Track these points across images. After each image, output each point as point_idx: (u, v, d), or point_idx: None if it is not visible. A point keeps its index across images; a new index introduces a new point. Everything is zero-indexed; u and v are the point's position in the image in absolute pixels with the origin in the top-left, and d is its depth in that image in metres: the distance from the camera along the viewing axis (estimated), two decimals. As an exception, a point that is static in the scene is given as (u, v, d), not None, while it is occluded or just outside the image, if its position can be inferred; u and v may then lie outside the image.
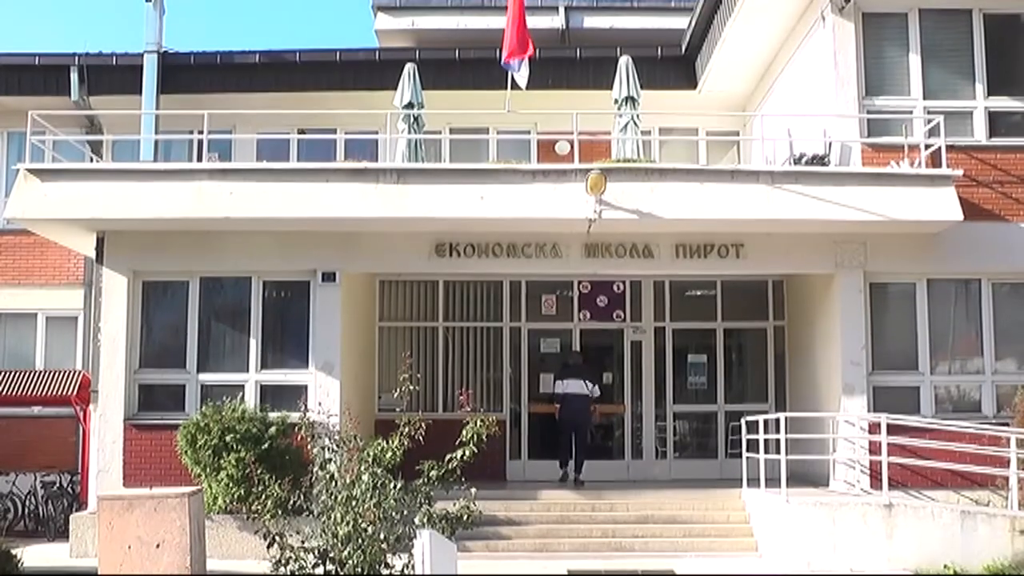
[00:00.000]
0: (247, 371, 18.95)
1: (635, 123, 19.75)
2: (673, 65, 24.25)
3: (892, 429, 17.39)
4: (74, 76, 23.24)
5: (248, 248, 18.77)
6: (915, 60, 19.17)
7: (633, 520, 18.08)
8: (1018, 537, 16.20)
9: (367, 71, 23.56)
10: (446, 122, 22.78)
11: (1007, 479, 17.04)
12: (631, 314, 22.22)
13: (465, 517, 12.58)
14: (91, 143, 22.49)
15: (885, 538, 16.43)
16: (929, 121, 18.60)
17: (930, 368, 18.95)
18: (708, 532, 17.84)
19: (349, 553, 11.90)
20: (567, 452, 20.82)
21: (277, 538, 12.12)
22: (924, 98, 19.07)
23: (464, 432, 12.67)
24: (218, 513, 17.50)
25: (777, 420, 17.73)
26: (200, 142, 20.82)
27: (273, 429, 17.65)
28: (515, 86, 20.01)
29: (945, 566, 15.90)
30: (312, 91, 23.11)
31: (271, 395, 18.80)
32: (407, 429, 12.67)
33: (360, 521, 11.97)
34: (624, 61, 20.04)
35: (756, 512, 17.82)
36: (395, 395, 13.73)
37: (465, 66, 23.60)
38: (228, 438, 17.32)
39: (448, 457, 12.59)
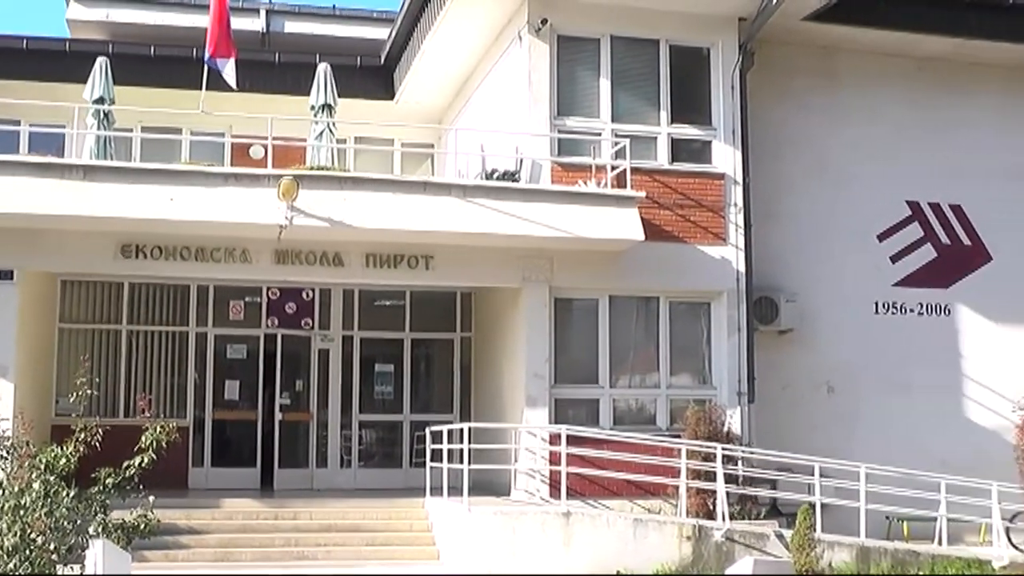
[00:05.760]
0: (-88, 373, 17.95)
1: (331, 131, 19.71)
2: (372, 75, 24.45)
3: (572, 440, 17.88)
4: None
5: (-82, 242, 17.77)
6: (605, 84, 19.85)
7: (316, 529, 18.00)
8: (685, 542, 16.97)
9: (56, 62, 22.81)
10: (138, 120, 22.08)
11: (678, 488, 17.88)
12: (320, 322, 22.16)
13: (142, 526, 12.34)
14: None
15: (563, 545, 16.83)
16: (616, 143, 19.27)
17: (610, 382, 19.59)
18: (391, 541, 17.92)
19: (15, 565, 11.44)
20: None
21: (-63, 550, 11.57)
22: (612, 121, 19.76)
23: (143, 438, 12.41)
24: None
25: (461, 430, 17.99)
26: None
27: (-62, 434, 16.77)
28: (211, 86, 19.66)
29: (618, 571, 16.46)
30: (-5, 79, 22.12)
31: (-62, 399, 17.84)
32: (83, 435, 12.31)
33: (29, 531, 11.54)
34: (323, 68, 19.99)
35: (439, 521, 18.01)
36: (72, 399, 13.33)
37: (161, 63, 23.15)
38: None
39: (126, 464, 12.30)
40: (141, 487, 12.42)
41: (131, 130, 21.99)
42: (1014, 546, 17.89)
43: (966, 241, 22.32)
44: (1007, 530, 17.94)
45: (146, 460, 12.35)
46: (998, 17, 21.76)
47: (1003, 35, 21.84)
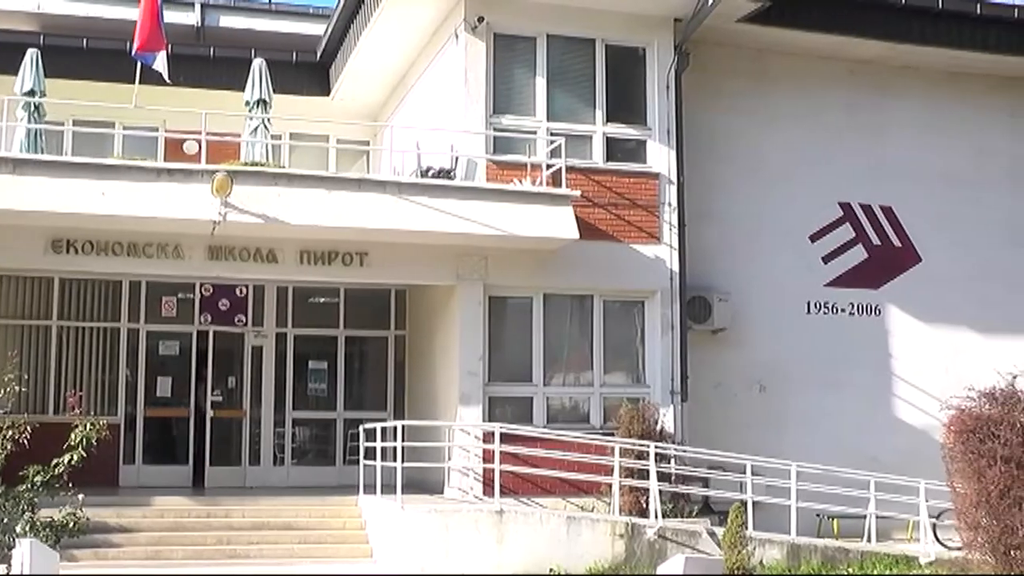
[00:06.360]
0: None
1: (266, 127, 19.61)
2: (308, 71, 24.34)
3: (506, 438, 17.86)
4: None
5: None
6: (541, 83, 19.87)
7: (249, 527, 17.91)
8: (618, 540, 17.03)
9: (-15, 53, 22.40)
10: (70, 113, 21.91)
11: (611, 486, 17.94)
12: (253, 318, 22.05)
13: (71, 524, 12.23)
14: None
15: (496, 543, 16.81)
16: (551, 142, 19.29)
17: (544, 380, 19.61)
18: (325, 539, 17.86)
19: (-59, 564, 11.33)
20: None
21: None
22: (548, 120, 19.77)
23: (73, 435, 12.28)
24: None
25: (395, 428, 17.95)
26: None
27: None
28: (145, 80, 19.47)
29: (551, 569, 16.49)
30: (-80, 71, 21.71)
31: None
32: (11, 432, 12.18)
33: (-45, 529, 11.42)
34: (258, 63, 19.86)
35: (372, 519, 17.97)
36: (0, 396, 13.18)
37: (93, 56, 22.84)
38: None
39: (55, 462, 12.18)
40: (70, 485, 12.31)
41: (62, 124, 21.78)
42: (940, 543, 18.12)
43: (896, 243, 22.58)
44: (934, 527, 18.16)
45: (76, 457, 12.24)
46: (928, 22, 22.02)
47: (933, 40, 22.12)
